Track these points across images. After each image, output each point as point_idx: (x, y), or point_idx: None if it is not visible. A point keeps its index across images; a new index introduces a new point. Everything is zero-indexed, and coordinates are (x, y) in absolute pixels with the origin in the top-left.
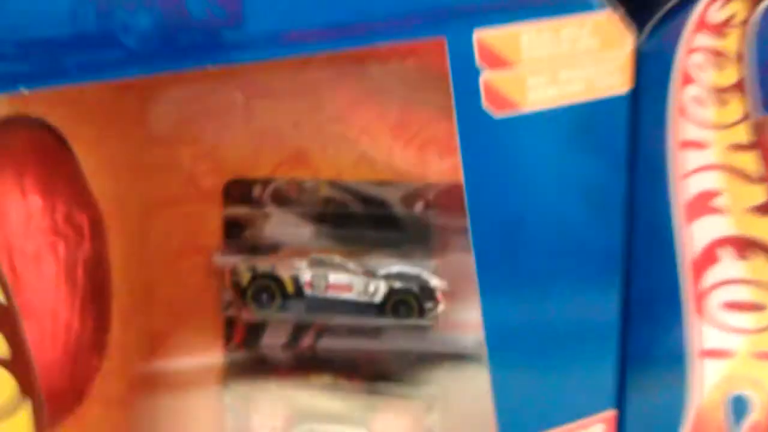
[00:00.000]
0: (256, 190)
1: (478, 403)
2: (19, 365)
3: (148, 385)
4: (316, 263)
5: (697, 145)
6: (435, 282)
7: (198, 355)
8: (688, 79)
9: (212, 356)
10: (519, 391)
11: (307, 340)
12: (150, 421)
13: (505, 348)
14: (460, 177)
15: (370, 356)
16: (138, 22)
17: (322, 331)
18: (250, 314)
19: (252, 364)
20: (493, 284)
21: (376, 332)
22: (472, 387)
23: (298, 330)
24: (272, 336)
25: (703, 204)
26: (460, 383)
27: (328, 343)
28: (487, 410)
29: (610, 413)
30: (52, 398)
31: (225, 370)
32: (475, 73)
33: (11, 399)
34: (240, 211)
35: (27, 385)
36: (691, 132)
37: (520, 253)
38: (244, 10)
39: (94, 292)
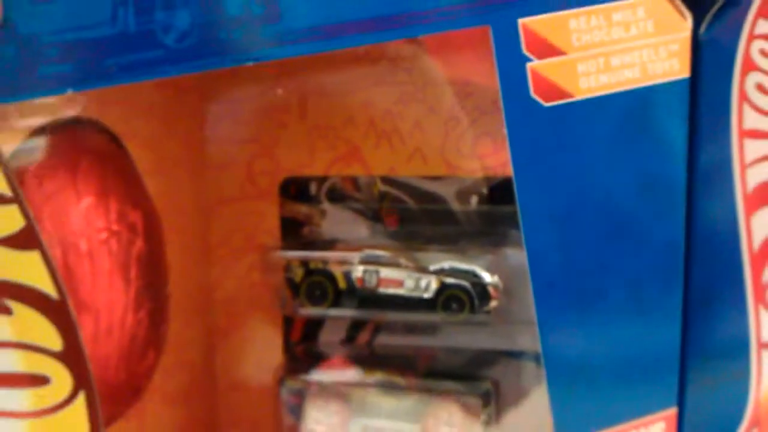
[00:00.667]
0: (312, 188)
1: (534, 400)
2: (72, 358)
3: (207, 381)
4: (367, 259)
5: (760, 134)
6: (488, 278)
7: (257, 353)
8: (750, 66)
9: (270, 353)
10: (576, 389)
11: (364, 336)
12: (209, 417)
13: (561, 345)
14: None
15: (426, 353)
16: (177, 21)
17: (379, 327)
18: (304, 310)
19: (309, 361)
20: (546, 279)
21: (432, 329)
22: (528, 383)
23: (356, 326)
24: (330, 333)
25: (764, 195)
26: (516, 379)
27: (384, 340)
28: (544, 406)
29: (671, 411)
30: (108, 393)
31: (283, 366)
32: (523, 61)
33: (66, 391)
34: (297, 208)
35: (81, 378)
36: (754, 121)
37: (574, 247)
38: (281, 5)
39: (149, 288)
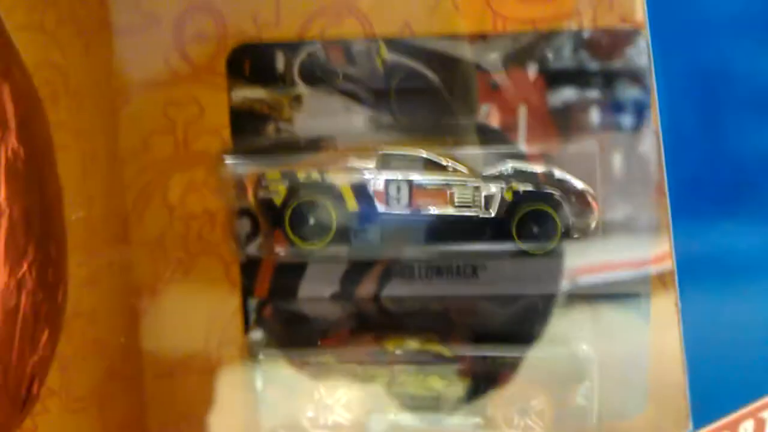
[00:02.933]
0: (279, 61)
1: (635, 365)
2: None
3: (129, 370)
4: (389, 161)
5: None
6: (577, 183)
7: (200, 322)
8: None
9: (222, 321)
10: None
11: (367, 287)
12: (132, 421)
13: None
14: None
15: (467, 306)
16: None
17: (390, 271)
18: (286, 250)
19: (288, 328)
20: (686, 171)
21: (471, 269)
22: (629, 342)
23: (353, 271)
24: (315, 283)
25: None
26: (614, 339)
27: (399, 290)
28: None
29: None
30: None
31: (253, 341)
32: None
33: None
34: (256, 94)
35: None
36: None
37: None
38: None
39: (32, 224)
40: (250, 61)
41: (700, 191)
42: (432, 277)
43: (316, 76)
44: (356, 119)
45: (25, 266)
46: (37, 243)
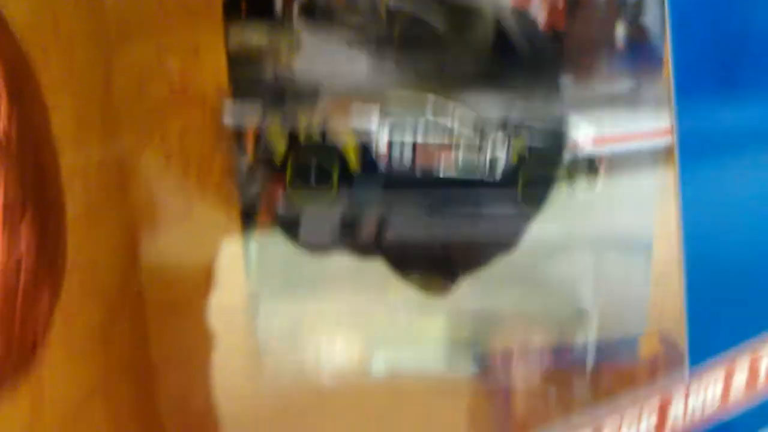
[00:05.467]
0: (278, 1)
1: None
2: None
3: (131, 313)
4: (393, 118)
5: None
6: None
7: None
8: None
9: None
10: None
11: (368, 227)
12: (137, 364)
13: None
14: None
15: (462, 248)
16: None
17: (388, 218)
18: (286, 204)
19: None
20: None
21: (471, 214)
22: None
23: (349, 223)
24: (313, 229)
25: None
26: (610, 274)
27: (398, 232)
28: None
29: None
30: None
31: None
32: None
33: None
34: (251, 37)
35: None
36: None
37: None
38: None
39: (25, 176)
40: (248, 2)
41: (703, 67)
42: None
43: (316, 18)
44: (358, 66)
45: (23, 226)
46: (35, 202)
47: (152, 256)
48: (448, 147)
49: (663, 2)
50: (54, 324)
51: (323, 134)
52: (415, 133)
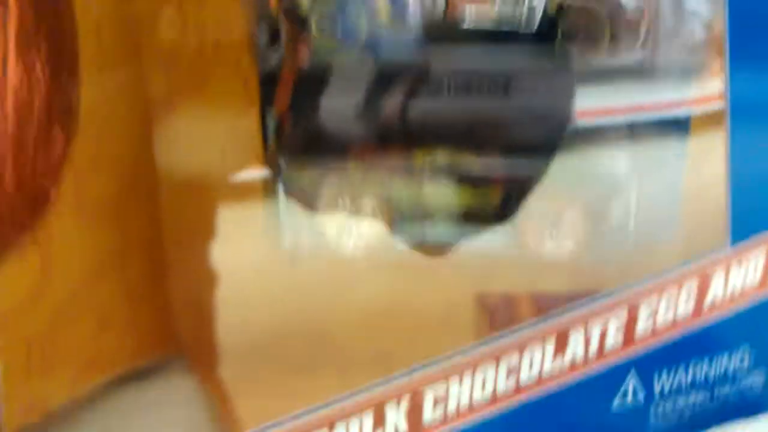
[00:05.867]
0: None
1: (669, 188)
2: None
3: (144, 182)
4: None
5: None
6: None
7: (218, 135)
8: None
9: (241, 136)
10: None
11: (393, 102)
12: (147, 234)
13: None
14: None
15: (497, 122)
16: None
17: (417, 85)
18: (312, 59)
19: (308, 143)
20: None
21: (503, 85)
22: (666, 164)
23: (378, 84)
24: (336, 96)
25: None
26: (651, 160)
27: (427, 105)
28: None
29: None
30: None
31: (273, 153)
32: None
33: None
34: None
35: None
36: None
37: None
38: None
39: (45, 22)
40: None
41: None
42: (461, 93)
43: None
44: None
45: (38, 62)
46: (49, 38)
47: (167, 128)
48: None
49: None
50: (66, 177)
51: None
52: None
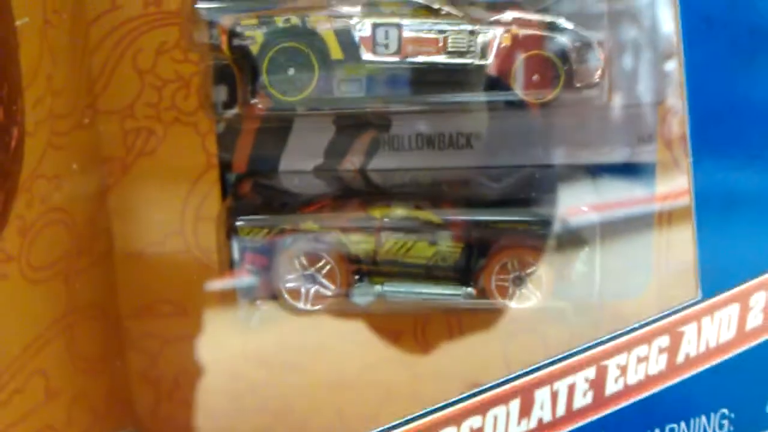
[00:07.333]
0: None
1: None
2: None
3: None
4: (377, 4)
5: None
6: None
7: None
8: None
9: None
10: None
11: (353, 159)
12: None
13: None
14: None
15: (460, 179)
16: None
17: (377, 141)
18: (265, 105)
19: (270, 202)
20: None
21: (465, 139)
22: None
23: (338, 142)
24: (297, 155)
25: None
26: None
27: (387, 162)
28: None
29: None
30: None
31: (229, 210)
32: None
33: None
34: None
35: None
36: None
37: None
38: None
39: None
40: None
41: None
42: (423, 147)
43: None
44: None
45: None
46: None
47: (122, 188)
48: (437, 33)
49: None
50: (11, 232)
51: (303, 20)
52: (402, 20)
